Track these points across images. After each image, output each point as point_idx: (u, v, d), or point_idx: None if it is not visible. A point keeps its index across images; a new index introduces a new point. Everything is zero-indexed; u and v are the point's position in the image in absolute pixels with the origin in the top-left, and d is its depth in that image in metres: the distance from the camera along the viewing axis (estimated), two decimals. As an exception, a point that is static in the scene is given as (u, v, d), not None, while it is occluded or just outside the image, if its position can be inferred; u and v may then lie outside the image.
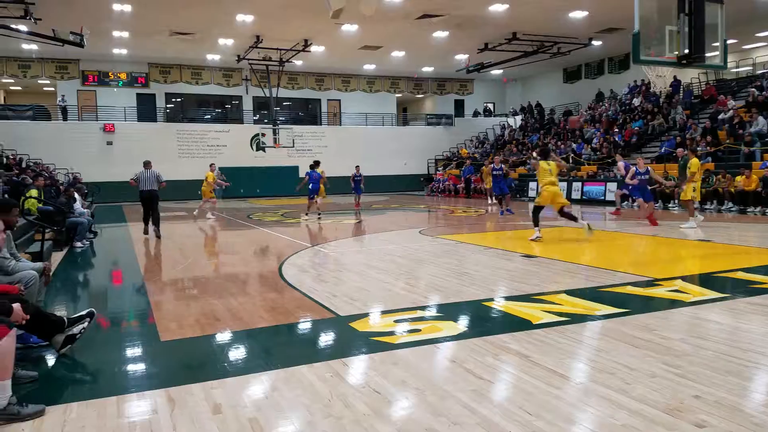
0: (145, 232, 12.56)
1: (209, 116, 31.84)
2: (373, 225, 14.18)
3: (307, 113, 34.71)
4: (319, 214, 16.10)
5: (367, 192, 31.71)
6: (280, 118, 32.48)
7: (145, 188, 12.60)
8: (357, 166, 20.58)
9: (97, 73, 28.41)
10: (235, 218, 16.96)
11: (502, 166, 17.28)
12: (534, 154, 10.90)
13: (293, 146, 28.61)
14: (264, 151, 29.72)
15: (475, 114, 36.64)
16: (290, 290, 6.20)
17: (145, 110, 29.29)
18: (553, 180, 9.73)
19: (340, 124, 33.75)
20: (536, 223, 9.80)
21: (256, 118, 32.27)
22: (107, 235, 13.34)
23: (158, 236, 11.93)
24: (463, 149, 32.66)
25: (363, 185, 20.01)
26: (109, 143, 27.37)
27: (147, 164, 13.17)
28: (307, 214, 15.76)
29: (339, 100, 33.77)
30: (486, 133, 34.96)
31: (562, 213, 9.76)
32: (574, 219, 9.83)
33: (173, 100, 31.01)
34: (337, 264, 7.98)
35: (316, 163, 17.08)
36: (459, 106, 36.84)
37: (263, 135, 26.35)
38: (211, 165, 18.12)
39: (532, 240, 9.42)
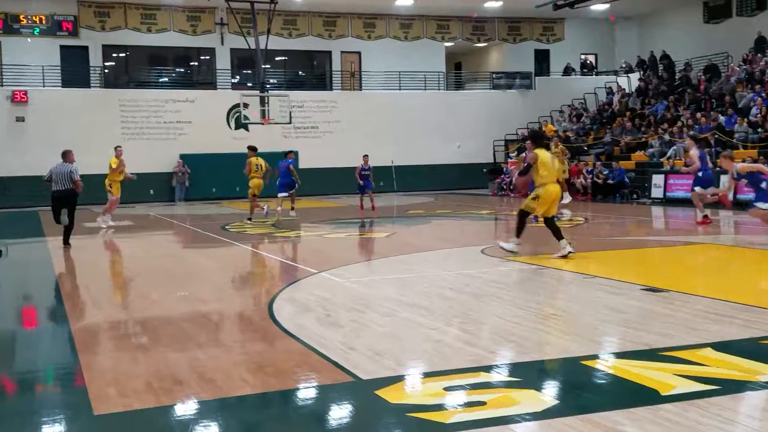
0: (57, 221, 14.10)
1: (167, 79, 32.56)
2: (410, 240, 14.35)
3: (310, 73, 35.18)
4: (249, 218, 18.54)
5: (400, 189, 32.08)
6: (271, 81, 33.01)
7: (58, 187, 14.03)
8: (365, 156, 21.22)
9: (2, 16, 29.27)
10: (203, 229, 17.32)
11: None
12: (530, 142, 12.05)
13: (290, 122, 28.88)
14: (247, 129, 30.16)
15: (567, 71, 36.43)
16: (285, 339, 6.27)
17: (74, 71, 30.11)
18: (554, 177, 10.78)
19: (360, 88, 34.07)
20: (519, 233, 10.87)
21: (236, 80, 32.83)
22: (17, 254, 13.70)
23: (66, 243, 13.86)
24: (548, 125, 32.45)
25: (373, 182, 21.53)
26: (20, 119, 28.18)
27: (65, 155, 14.43)
28: (274, 218, 18.42)
29: (358, 53, 34.16)
30: (584, 100, 34.73)
31: (549, 223, 10.79)
32: (559, 236, 10.64)
33: (114, 55, 31.84)
34: (355, 299, 7.99)
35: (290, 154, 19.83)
36: (542, 59, 36.77)
37: (246, 106, 26.61)
38: (116, 148, 19.14)
39: (560, 257, 10.39)
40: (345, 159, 29.70)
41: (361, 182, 20.88)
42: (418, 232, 16.12)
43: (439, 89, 34.30)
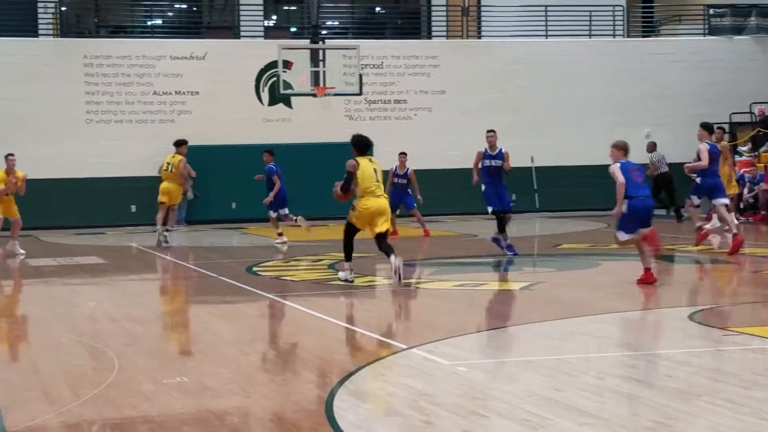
0: None
1: (160, 21, 33.36)
2: (562, 294, 14.23)
3: (394, 10, 35.32)
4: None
5: (545, 207, 31.69)
6: (329, 23, 33.30)
7: None
8: (402, 154, 22.29)
9: None
10: (217, 272, 17.57)
11: None
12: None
13: (360, 92, 29.10)
14: (289, 104, 30.51)
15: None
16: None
17: (13, 11, 31.14)
18: (380, 191, 14.91)
19: (478, 35, 34.01)
20: (347, 256, 14.86)
21: (271, 23, 33.26)
22: None
23: None
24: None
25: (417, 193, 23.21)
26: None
27: None
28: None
29: (476, -23, 34.27)
30: None
31: (381, 242, 14.75)
32: (391, 254, 14.53)
33: (75, -17, 32.83)
34: (470, 396, 7.96)
35: (270, 154, 22.71)
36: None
37: (288, 67, 26.98)
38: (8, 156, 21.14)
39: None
40: (453, 154, 29.72)
41: (394, 191, 21.82)
42: (575, 282, 15.85)
43: (614, 36, 34.04)
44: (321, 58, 26.80)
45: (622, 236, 14.74)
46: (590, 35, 33.62)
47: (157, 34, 32.80)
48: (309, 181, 27.66)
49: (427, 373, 8.87)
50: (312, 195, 27.24)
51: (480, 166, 19.56)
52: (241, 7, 32.62)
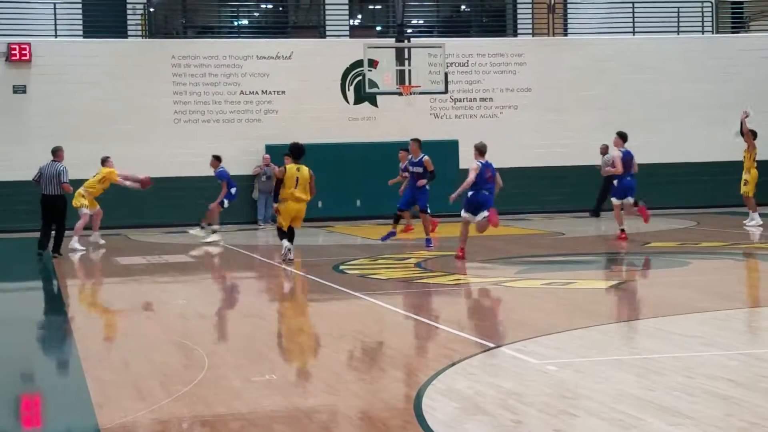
0: (42, 246, 20.44)
1: (246, 22, 33.61)
2: (652, 294, 14.13)
3: (479, 7, 35.24)
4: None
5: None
6: (414, 22, 33.30)
7: (46, 192, 20.42)
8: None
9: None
10: (304, 271, 17.85)
11: None
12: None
13: (446, 90, 29.10)
14: (374, 103, 30.61)
15: None
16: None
17: (101, 12, 31.65)
18: (300, 195, 17.94)
19: (565, 32, 33.80)
20: (281, 237, 18.57)
21: (356, 22, 33.34)
22: (9, 314, 14.61)
23: (55, 254, 20.23)
24: None
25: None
26: (20, 90, 29.87)
27: (55, 152, 20.55)
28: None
29: (563, -26, 34.10)
30: None
31: (291, 231, 18.44)
32: (289, 240, 18.33)
33: (164, -15, 33.27)
34: (560, 395, 7.94)
35: (217, 160, 24.46)
36: None
37: (373, 66, 27.03)
38: (105, 160, 22.99)
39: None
40: (540, 153, 29.60)
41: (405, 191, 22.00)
42: (665, 281, 15.71)
43: (702, 32, 33.64)
44: (406, 56, 26.77)
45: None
46: (678, 32, 33.24)
47: (244, 34, 33.10)
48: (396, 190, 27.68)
49: (516, 372, 8.86)
50: (397, 193, 27.29)
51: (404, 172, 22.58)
52: (327, 7, 32.78)
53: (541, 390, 8.12)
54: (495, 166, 24.65)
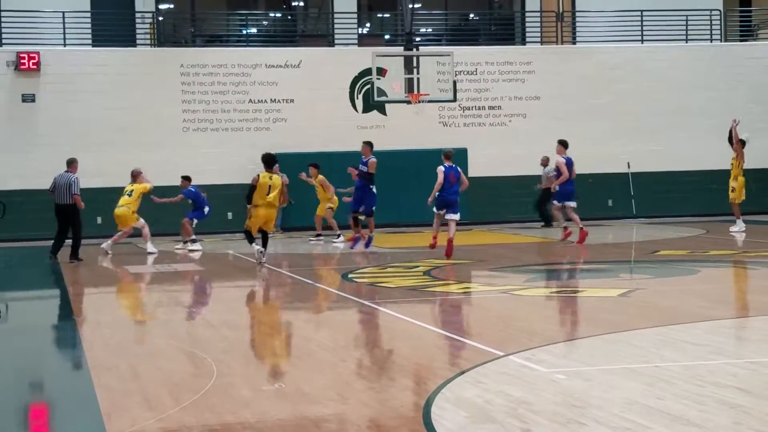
0: (54, 251, 21.72)
1: (255, 30, 33.66)
2: (661, 302, 14.11)
3: (488, 16, 35.26)
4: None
5: (643, 213, 31.42)
6: (423, 30, 33.28)
7: (58, 201, 21.45)
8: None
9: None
10: (313, 279, 17.89)
11: None
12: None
13: (454, 98, 29.11)
14: (383, 111, 30.62)
15: None
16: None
17: (110, 21, 31.73)
18: (272, 201, 19.74)
19: (573, 41, 33.78)
20: (250, 241, 20.17)
21: (365, 31, 33.34)
22: (17, 322, 14.47)
23: (73, 260, 21.19)
24: None
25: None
26: (29, 99, 29.95)
27: (70, 163, 21.67)
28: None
29: (572, -17, 34.17)
30: None
31: (264, 236, 20.14)
32: (262, 245, 19.97)
33: (173, -5, 33.35)
34: (569, 404, 7.93)
35: (186, 180, 25.38)
36: None
37: (382, 74, 27.06)
38: (136, 174, 23.98)
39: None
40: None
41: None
42: (674, 289, 15.68)
43: (710, 40, 33.62)
44: (415, 65, 26.77)
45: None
46: (686, 40, 33.27)
47: (253, 42, 33.14)
48: (403, 188, 27.73)
49: (524, 380, 8.84)
50: (407, 201, 27.33)
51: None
52: (336, 16, 32.86)
53: (550, 399, 8.11)
54: (503, 174, 24.81)
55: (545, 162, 28.63)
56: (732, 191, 25.02)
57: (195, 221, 24.92)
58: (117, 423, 7.71)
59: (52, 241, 22.01)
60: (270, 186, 19.46)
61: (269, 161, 20.02)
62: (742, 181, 25.02)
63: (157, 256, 22.87)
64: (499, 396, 8.17)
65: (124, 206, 22.96)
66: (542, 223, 29.06)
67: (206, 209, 25.01)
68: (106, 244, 23.03)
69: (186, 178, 25.27)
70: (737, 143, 24.93)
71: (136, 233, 23.62)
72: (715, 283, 16.50)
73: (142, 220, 23.27)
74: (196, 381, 9.37)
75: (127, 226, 23.11)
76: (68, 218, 21.21)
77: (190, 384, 9.29)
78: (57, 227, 21.74)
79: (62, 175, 21.38)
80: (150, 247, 23.44)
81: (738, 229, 24.77)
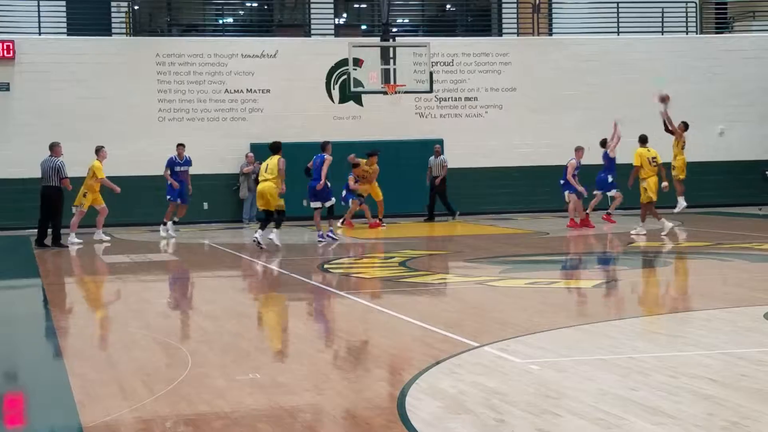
0: (39, 242, 22.09)
1: (232, 20, 33.56)
2: (636, 293, 14.11)
3: (464, 7, 35.28)
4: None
5: (619, 205, 31.57)
6: (399, 21, 33.25)
7: (44, 184, 21.95)
8: (180, 145, 24.92)
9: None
10: (289, 270, 17.79)
11: None
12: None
13: (431, 90, 29.09)
14: (360, 102, 30.60)
15: None
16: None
17: (85, 10, 31.59)
18: (265, 176, 20.80)
19: (550, 32, 33.85)
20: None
21: (341, 21, 33.29)
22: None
23: (49, 244, 21.87)
24: None
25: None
26: (3, 88, 29.74)
27: (52, 148, 22.04)
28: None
29: (548, -27, 34.14)
30: None
31: (268, 215, 21.16)
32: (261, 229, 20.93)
33: (149, -17, 33.20)
34: (543, 394, 7.95)
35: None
36: None
37: (359, 64, 27.02)
38: (98, 150, 23.80)
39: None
40: (524, 152, 29.65)
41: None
42: (648, 281, 15.75)
43: (686, 32, 33.73)
44: (391, 55, 26.77)
45: None
46: (662, 32, 33.33)
47: (229, 32, 33.07)
48: (380, 179, 27.67)
49: (499, 371, 8.86)
50: (384, 192, 27.29)
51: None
52: (312, 5, 32.78)
53: (524, 389, 8.14)
54: (480, 165, 24.87)
55: (439, 152, 29.16)
56: (673, 169, 24.95)
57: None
58: (91, 412, 7.70)
59: (36, 230, 22.38)
60: (267, 165, 20.92)
61: (278, 145, 21.62)
62: (682, 160, 24.96)
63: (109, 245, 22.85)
64: (473, 386, 8.19)
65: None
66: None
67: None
68: (97, 233, 23.67)
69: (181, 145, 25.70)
70: (673, 127, 25.08)
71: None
72: (688, 275, 16.59)
73: (81, 208, 23.30)
74: (171, 371, 9.37)
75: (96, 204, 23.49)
76: (52, 202, 21.61)
77: (164, 374, 9.28)
78: (40, 214, 22.02)
79: (46, 159, 21.85)
80: (99, 234, 23.80)
81: (679, 209, 24.96)
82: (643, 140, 23.72)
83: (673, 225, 23.34)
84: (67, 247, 21.91)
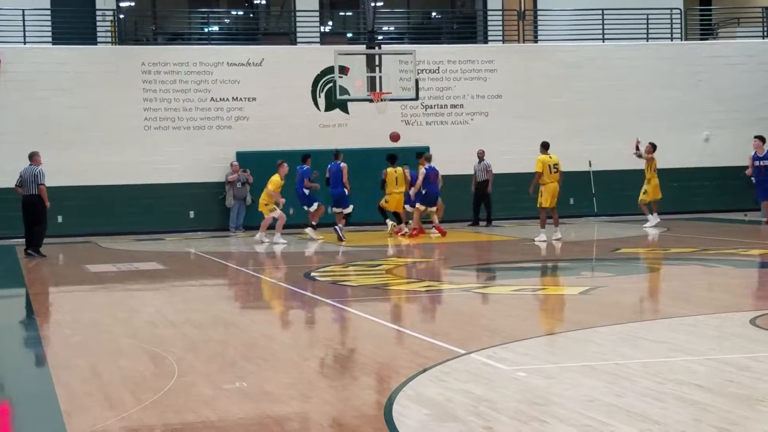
0: (28, 247, 22.25)
1: (217, 28, 33.57)
2: (622, 300, 14.19)
3: (450, 14, 35.33)
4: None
5: (604, 211, 31.61)
6: (385, 29, 33.28)
7: (26, 193, 22.07)
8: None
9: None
10: (276, 278, 17.84)
11: None
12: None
13: (416, 97, 29.14)
14: (345, 110, 30.60)
15: None
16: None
17: (71, 19, 31.58)
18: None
19: (535, 39, 33.93)
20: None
21: (327, 29, 33.29)
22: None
23: (31, 253, 21.92)
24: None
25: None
26: (-11, 97, 29.71)
27: (31, 157, 22.13)
28: None
29: (534, -20, 34.24)
30: None
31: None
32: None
33: (134, -9, 33.21)
34: (530, 401, 7.95)
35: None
36: None
37: (344, 72, 27.07)
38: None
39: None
40: (510, 159, 29.64)
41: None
42: (635, 287, 15.77)
43: (671, 39, 33.80)
44: (377, 63, 26.81)
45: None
46: (647, 38, 33.39)
47: (214, 40, 33.02)
48: (365, 186, 27.69)
49: (486, 378, 8.88)
50: (368, 200, 27.30)
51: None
52: (298, 14, 32.77)
53: (511, 396, 8.16)
54: (466, 173, 24.93)
55: (482, 155, 29.19)
56: (644, 193, 26.37)
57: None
58: (78, 423, 7.69)
59: (24, 239, 22.69)
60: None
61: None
62: (654, 183, 26.29)
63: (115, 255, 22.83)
64: (460, 394, 8.20)
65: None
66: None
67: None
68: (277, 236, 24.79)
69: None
70: (645, 156, 26.49)
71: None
72: (675, 281, 16.61)
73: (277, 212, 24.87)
74: (158, 380, 9.35)
75: None
76: (35, 209, 21.87)
77: (151, 383, 9.27)
78: (24, 222, 22.22)
79: (26, 168, 22.05)
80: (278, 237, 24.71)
81: (649, 224, 26.15)
82: (545, 146, 23.81)
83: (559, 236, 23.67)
84: (46, 256, 21.98)
